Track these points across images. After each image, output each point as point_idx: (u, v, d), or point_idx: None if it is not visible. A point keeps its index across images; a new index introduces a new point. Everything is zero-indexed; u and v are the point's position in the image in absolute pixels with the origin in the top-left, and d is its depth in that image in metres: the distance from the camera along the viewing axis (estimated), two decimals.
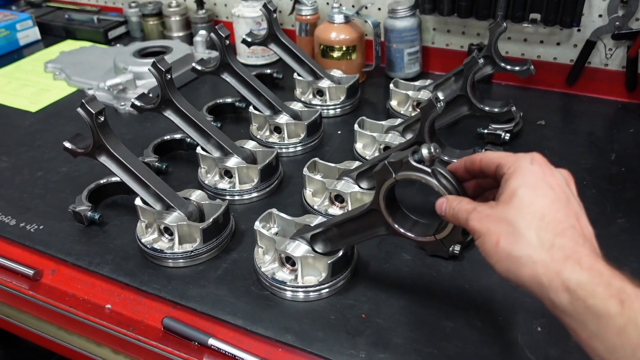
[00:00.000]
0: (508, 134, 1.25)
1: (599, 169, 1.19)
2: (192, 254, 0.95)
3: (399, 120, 1.24)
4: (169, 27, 1.87)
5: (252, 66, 1.71)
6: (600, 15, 1.38)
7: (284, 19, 1.77)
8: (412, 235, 0.77)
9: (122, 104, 1.47)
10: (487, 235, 0.61)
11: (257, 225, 0.92)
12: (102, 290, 0.94)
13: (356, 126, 1.22)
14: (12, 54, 1.84)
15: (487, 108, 1.08)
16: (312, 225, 0.91)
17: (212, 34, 1.24)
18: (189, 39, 1.86)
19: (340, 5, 1.52)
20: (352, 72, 1.52)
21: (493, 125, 1.27)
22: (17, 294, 0.98)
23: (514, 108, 1.08)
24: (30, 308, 0.99)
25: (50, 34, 1.96)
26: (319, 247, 0.88)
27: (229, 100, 1.44)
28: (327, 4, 1.69)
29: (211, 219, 0.95)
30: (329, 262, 0.85)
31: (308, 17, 1.60)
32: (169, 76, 1.10)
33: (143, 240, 0.97)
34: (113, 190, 1.13)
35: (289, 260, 0.90)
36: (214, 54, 1.71)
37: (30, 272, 0.98)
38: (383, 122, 1.24)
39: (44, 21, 1.97)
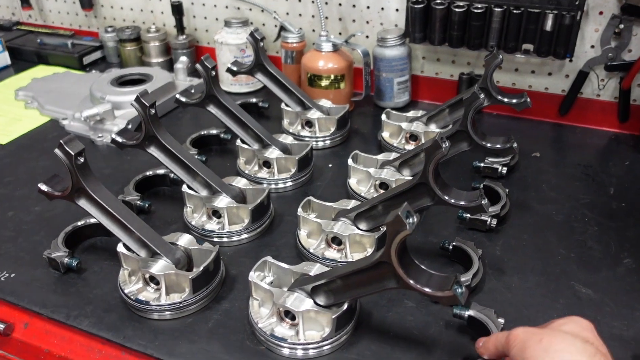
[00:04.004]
0: (505, 168, 1.22)
1: (599, 204, 1.16)
2: (181, 305, 0.88)
3: (393, 155, 1.19)
4: (147, 53, 1.80)
5: (235, 94, 1.65)
6: (592, 47, 1.36)
7: (269, 46, 1.72)
8: (429, 291, 0.71)
9: (100, 135, 1.39)
10: None
11: (252, 276, 0.86)
12: (80, 346, 0.86)
13: (350, 161, 1.17)
14: None
15: (488, 145, 1.04)
16: (311, 275, 0.84)
17: (198, 65, 1.18)
18: (169, 65, 1.79)
19: (328, 33, 1.47)
20: (340, 101, 1.47)
21: (489, 159, 1.24)
22: None
23: (515, 144, 1.04)
24: None
25: (21, 59, 1.87)
26: (321, 300, 0.82)
27: (213, 131, 1.38)
28: (314, 31, 1.64)
29: (201, 267, 0.88)
30: (333, 316, 0.79)
31: (294, 44, 1.56)
32: (153, 111, 1.03)
33: (126, 291, 0.89)
34: (92, 232, 1.05)
35: (288, 314, 0.83)
36: (196, 81, 1.65)
37: (1, 326, 0.89)
38: (378, 157, 1.19)
39: (14, 45, 1.88)
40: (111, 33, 1.83)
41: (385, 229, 0.96)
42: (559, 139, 1.43)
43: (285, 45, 1.57)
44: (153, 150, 1.07)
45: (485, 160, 1.24)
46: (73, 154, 0.85)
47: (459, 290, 0.71)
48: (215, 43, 1.62)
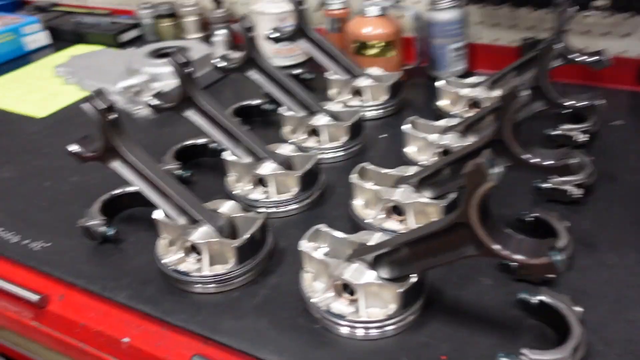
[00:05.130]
0: (585, 135, 1.08)
1: None
2: (225, 277, 0.78)
3: (456, 120, 1.07)
4: (184, 29, 1.72)
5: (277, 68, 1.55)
6: None
7: (311, 17, 1.61)
8: (520, 257, 0.59)
9: (137, 107, 1.31)
10: None
11: (304, 245, 0.75)
12: (118, 320, 0.78)
13: (407, 127, 1.05)
14: (19, 59, 1.70)
15: (569, 102, 0.91)
16: (372, 244, 0.74)
17: (237, 25, 1.09)
18: (207, 41, 1.71)
19: None
20: (390, 71, 1.36)
21: (565, 126, 1.10)
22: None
23: (604, 101, 0.91)
24: (37, 336, 0.83)
25: (60, 39, 1.83)
26: (384, 272, 0.71)
27: (256, 102, 1.28)
28: None
29: (247, 235, 0.78)
30: (399, 290, 0.68)
31: (338, 11, 1.45)
32: (191, 69, 0.94)
33: (165, 261, 0.80)
34: (129, 201, 0.97)
35: (346, 289, 0.73)
36: (236, 54, 1.55)
37: (35, 297, 0.82)
38: (438, 122, 1.07)
39: (52, 25, 1.84)
40: (147, 10, 1.76)
41: (452, 196, 0.85)
42: None
43: (328, 13, 1.46)
44: (191, 114, 0.98)
45: (560, 127, 1.10)
46: (104, 107, 0.76)
47: (558, 257, 0.59)
48: (253, 14, 1.53)
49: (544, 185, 0.94)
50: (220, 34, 1.56)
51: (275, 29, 1.28)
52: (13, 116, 1.36)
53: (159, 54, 1.46)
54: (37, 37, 1.76)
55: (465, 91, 1.19)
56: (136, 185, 0.83)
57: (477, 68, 1.48)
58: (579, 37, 1.35)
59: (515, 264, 0.76)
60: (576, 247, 0.84)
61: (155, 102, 0.98)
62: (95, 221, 0.88)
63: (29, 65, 1.65)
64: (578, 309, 0.70)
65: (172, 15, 1.73)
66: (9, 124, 1.32)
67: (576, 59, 1.08)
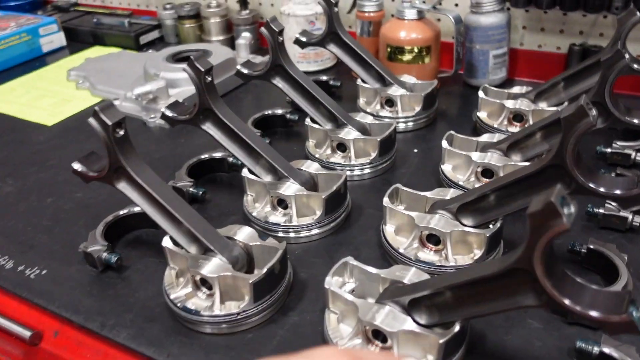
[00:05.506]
0: None
1: None
2: (239, 317, 0.69)
3: (498, 136, 0.97)
4: (207, 31, 1.65)
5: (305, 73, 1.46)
6: None
7: (342, 19, 1.52)
8: (596, 315, 0.49)
9: (152, 116, 1.24)
10: None
11: (330, 282, 0.66)
12: None
13: (444, 143, 0.95)
14: (34, 61, 1.64)
15: (635, 120, 0.80)
16: (409, 284, 0.64)
17: (263, 29, 1.00)
18: (230, 44, 1.63)
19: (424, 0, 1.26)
20: (425, 78, 1.25)
21: (619, 143, 0.99)
22: None
23: None
24: None
25: (77, 40, 1.76)
26: (420, 317, 0.61)
27: (279, 111, 1.20)
28: (393, 0, 1.43)
29: (265, 269, 0.69)
30: (441, 341, 0.58)
31: (372, 14, 1.35)
32: (210, 78, 0.85)
33: (173, 296, 0.72)
34: (137, 222, 0.88)
35: (378, 335, 0.63)
36: (259, 59, 1.47)
37: (27, 333, 0.74)
38: (478, 138, 0.97)
39: (70, 26, 1.78)
40: (169, 10, 1.69)
41: (497, 225, 0.75)
42: None
43: (360, 15, 1.37)
44: (209, 127, 0.89)
45: (614, 145, 0.99)
46: (110, 124, 0.68)
47: (636, 313, 0.48)
48: (281, 15, 1.45)
49: (599, 210, 0.84)
50: (245, 37, 1.48)
51: (304, 32, 1.19)
52: (21, 123, 1.28)
53: (179, 58, 1.38)
54: (54, 38, 1.70)
55: (509, 103, 1.08)
56: (143, 208, 0.74)
57: (517, 76, 1.37)
58: (634, 43, 1.22)
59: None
60: (635, 283, 0.73)
61: (170, 113, 0.90)
62: (97, 247, 0.80)
63: (43, 68, 1.58)
64: None
65: (195, 16, 1.65)
66: (16, 132, 1.24)
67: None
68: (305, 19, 1.41)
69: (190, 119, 0.89)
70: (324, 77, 1.35)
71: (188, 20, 1.65)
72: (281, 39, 1.02)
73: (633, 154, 0.97)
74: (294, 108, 1.19)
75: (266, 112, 1.19)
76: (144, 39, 1.70)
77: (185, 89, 1.28)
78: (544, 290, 0.50)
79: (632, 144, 0.99)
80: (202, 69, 0.83)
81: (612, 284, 0.71)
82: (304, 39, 1.19)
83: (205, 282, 0.72)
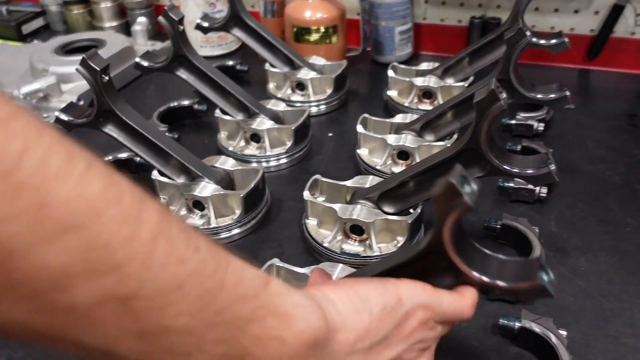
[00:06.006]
0: (541, 124, 1.02)
1: None
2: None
3: (410, 116, 0.98)
4: (98, 16, 1.53)
5: (206, 58, 1.40)
6: None
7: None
8: (506, 285, 0.50)
9: (45, 116, 1.14)
10: None
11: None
12: None
13: (359, 127, 0.95)
14: None
15: (539, 95, 0.83)
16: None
17: (161, 18, 0.94)
18: (125, 30, 1.53)
19: None
20: (333, 58, 1.24)
21: (522, 114, 1.03)
22: None
23: (568, 93, 0.83)
24: None
25: None
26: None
27: (185, 102, 1.14)
28: None
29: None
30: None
31: None
32: (107, 77, 0.79)
33: None
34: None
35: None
36: (158, 45, 1.39)
37: None
38: (392, 120, 0.97)
39: None
40: None
41: (418, 210, 0.76)
42: (591, 87, 1.24)
43: None
44: (110, 129, 0.83)
45: (517, 117, 1.03)
46: (98, 69, 0.75)
47: (546, 276, 0.50)
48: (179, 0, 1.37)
49: (509, 184, 0.87)
50: (141, 22, 1.39)
51: (206, 16, 1.14)
52: None
53: (70, 49, 1.27)
54: None
55: (418, 81, 1.09)
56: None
57: (422, 51, 1.39)
58: (529, 15, 1.27)
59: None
60: (547, 253, 0.77)
61: (65, 117, 0.83)
62: None
63: None
64: (562, 332, 0.63)
65: (84, 1, 1.52)
66: None
67: (539, 43, 1.00)
68: (205, 1, 1.34)
69: (88, 121, 0.82)
70: (230, 62, 1.29)
71: (76, 6, 1.52)
72: (182, 27, 0.96)
73: (535, 125, 1.02)
74: (202, 97, 1.14)
75: (172, 104, 1.13)
76: (27, 28, 1.55)
77: (80, 84, 1.18)
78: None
79: (534, 114, 1.04)
80: (98, 68, 0.76)
81: (527, 256, 0.74)
82: (205, 25, 1.13)
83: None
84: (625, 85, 1.22)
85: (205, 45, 1.40)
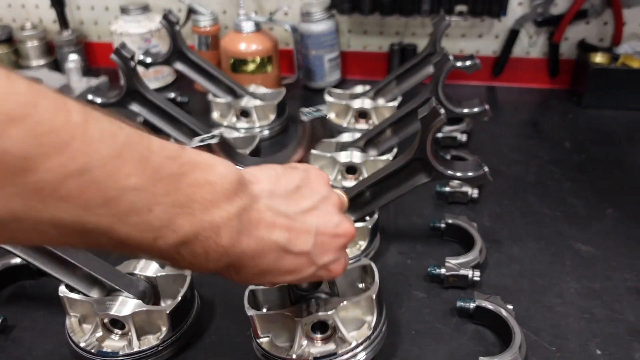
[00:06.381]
0: (464, 135, 1.16)
1: (562, 160, 1.13)
2: (160, 348, 0.70)
3: (352, 135, 1.08)
4: (25, 55, 1.52)
5: None
6: (520, 4, 1.35)
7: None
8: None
9: None
10: None
11: None
12: None
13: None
14: None
15: (465, 110, 0.96)
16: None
17: (114, 56, 0.98)
18: (54, 67, 1.53)
19: (248, 12, 1.32)
20: (270, 86, 1.33)
21: (447, 128, 1.17)
22: None
23: (487, 107, 0.97)
24: None
25: None
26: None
27: None
28: (225, 12, 1.47)
29: (179, 297, 0.70)
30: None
31: (208, 28, 1.38)
32: (133, 64, 0.82)
33: (84, 344, 0.69)
34: (12, 276, 0.82)
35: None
36: (93, 81, 1.41)
37: None
38: (338, 139, 1.07)
39: None
40: None
41: (375, 216, 0.86)
42: (499, 100, 1.41)
43: (197, 30, 1.38)
44: (136, 107, 1.05)
45: (443, 130, 1.17)
46: (129, 56, 0.97)
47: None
48: (113, 35, 1.40)
49: (445, 189, 0.99)
50: (74, 60, 1.39)
51: (147, 52, 1.18)
52: None
53: None
54: None
55: (353, 103, 1.20)
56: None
57: (349, 76, 1.51)
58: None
59: (445, 273, 0.79)
60: (485, 244, 0.89)
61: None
62: None
63: None
64: (509, 306, 0.75)
65: (8, 40, 1.51)
66: None
67: (456, 65, 1.14)
68: (141, 37, 1.38)
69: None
70: (172, 94, 1.34)
71: (0, 46, 1.50)
72: (133, 64, 1.01)
73: (459, 136, 1.16)
74: (151, 128, 1.18)
75: None
76: None
77: None
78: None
79: (457, 127, 1.18)
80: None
81: (470, 249, 0.86)
82: (149, 60, 1.18)
83: (116, 323, 0.71)
84: (525, 98, 1.40)
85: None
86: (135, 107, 1.03)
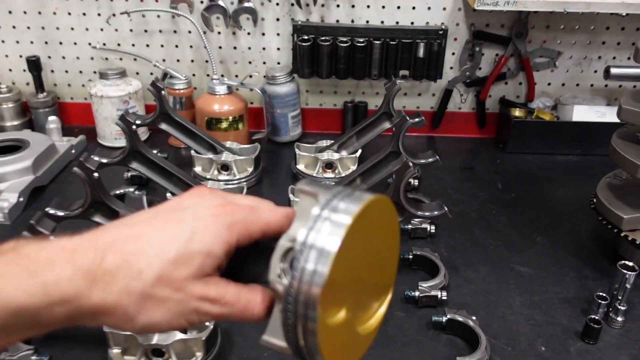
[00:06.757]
0: (416, 181, 1.37)
1: (496, 198, 1.37)
2: None
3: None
4: (0, 116, 1.58)
5: (119, 148, 1.54)
6: (451, 68, 1.60)
7: (146, 94, 1.65)
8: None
9: None
10: None
11: None
12: None
13: (292, 196, 1.20)
14: None
15: (422, 160, 1.17)
16: None
17: (119, 122, 1.11)
18: (29, 127, 1.60)
19: (222, 76, 1.49)
20: (241, 142, 1.49)
21: None
22: None
23: (437, 157, 1.18)
24: None
25: None
26: None
27: (121, 190, 1.28)
28: (194, 75, 1.63)
29: (212, 325, 0.84)
30: None
31: (182, 90, 1.53)
32: (96, 175, 0.95)
33: None
34: None
35: None
36: (73, 140, 1.50)
37: None
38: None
39: None
40: None
41: None
42: (438, 149, 1.64)
43: (172, 92, 1.52)
44: (99, 218, 0.98)
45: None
46: (93, 169, 0.97)
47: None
48: (92, 97, 1.51)
49: (408, 227, 1.19)
50: (54, 121, 1.49)
51: (133, 114, 1.30)
52: None
53: None
54: None
55: (320, 155, 1.38)
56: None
57: (309, 130, 1.70)
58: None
59: (419, 294, 0.97)
60: (447, 270, 1.09)
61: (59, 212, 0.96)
62: (22, 352, 0.82)
63: None
64: (473, 318, 0.94)
65: None
66: None
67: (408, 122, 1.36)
68: (119, 99, 1.51)
69: (80, 214, 0.95)
70: (154, 151, 1.46)
71: None
72: (134, 128, 1.14)
73: (412, 181, 1.36)
74: (138, 184, 1.30)
75: (118, 192, 1.27)
76: None
77: (16, 182, 1.26)
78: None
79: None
80: (93, 168, 0.92)
81: (435, 275, 1.04)
82: (138, 122, 1.30)
83: (156, 351, 0.82)
84: (460, 146, 1.65)
85: (120, 137, 1.54)
86: (134, 165, 1.15)
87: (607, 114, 1.55)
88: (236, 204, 0.50)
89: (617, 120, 1.07)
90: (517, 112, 1.59)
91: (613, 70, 1.37)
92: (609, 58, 1.59)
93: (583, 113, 1.56)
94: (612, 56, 1.58)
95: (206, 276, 0.47)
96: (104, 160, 1.12)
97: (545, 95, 1.64)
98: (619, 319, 0.97)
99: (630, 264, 0.95)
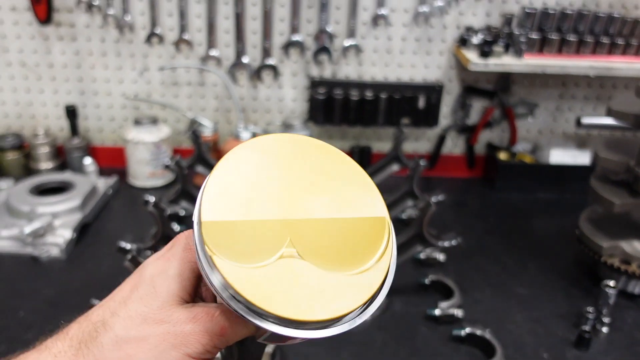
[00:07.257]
0: None
1: (491, 230, 1.58)
2: None
3: None
4: (35, 159, 1.71)
5: (152, 188, 1.70)
6: (445, 117, 1.83)
7: (178, 139, 1.81)
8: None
9: (45, 250, 1.32)
10: None
11: None
12: None
13: None
14: None
15: (432, 199, 1.37)
16: None
17: (173, 164, 1.27)
18: (62, 169, 1.73)
19: (246, 123, 1.67)
20: None
21: (410, 211, 1.57)
22: None
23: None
24: None
25: None
26: None
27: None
28: (216, 123, 1.80)
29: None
30: None
31: (209, 137, 1.70)
32: (168, 212, 1.10)
33: None
34: None
35: None
36: (109, 180, 1.65)
37: None
38: None
39: None
40: None
41: None
42: (434, 187, 1.85)
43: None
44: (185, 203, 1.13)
45: (408, 209, 1.57)
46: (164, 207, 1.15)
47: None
48: (128, 143, 1.66)
49: (420, 256, 1.37)
50: (90, 164, 1.63)
51: (177, 161, 1.47)
52: None
53: (43, 190, 1.48)
54: None
55: None
56: None
57: None
58: (389, 143, 1.87)
59: (439, 313, 1.15)
60: (461, 294, 1.27)
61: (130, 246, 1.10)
62: None
63: None
64: (488, 330, 1.12)
65: (19, 146, 1.70)
66: None
67: (411, 165, 1.56)
68: (153, 144, 1.66)
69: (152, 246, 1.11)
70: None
71: (11, 152, 1.69)
72: (186, 171, 1.30)
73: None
74: (176, 220, 1.46)
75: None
76: None
77: (68, 220, 1.40)
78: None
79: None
80: (161, 207, 1.08)
81: (450, 296, 1.23)
82: (182, 165, 1.47)
83: None
84: (453, 185, 1.86)
85: (151, 178, 1.70)
86: (184, 204, 1.31)
87: (578, 157, 1.79)
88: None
89: (587, 163, 1.30)
90: (503, 155, 1.82)
91: (583, 120, 1.64)
92: (577, 109, 1.84)
93: (558, 156, 1.80)
94: (580, 107, 1.84)
95: None
96: (162, 206, 1.28)
97: (525, 140, 1.88)
98: (604, 329, 1.17)
99: (612, 283, 1.16)
